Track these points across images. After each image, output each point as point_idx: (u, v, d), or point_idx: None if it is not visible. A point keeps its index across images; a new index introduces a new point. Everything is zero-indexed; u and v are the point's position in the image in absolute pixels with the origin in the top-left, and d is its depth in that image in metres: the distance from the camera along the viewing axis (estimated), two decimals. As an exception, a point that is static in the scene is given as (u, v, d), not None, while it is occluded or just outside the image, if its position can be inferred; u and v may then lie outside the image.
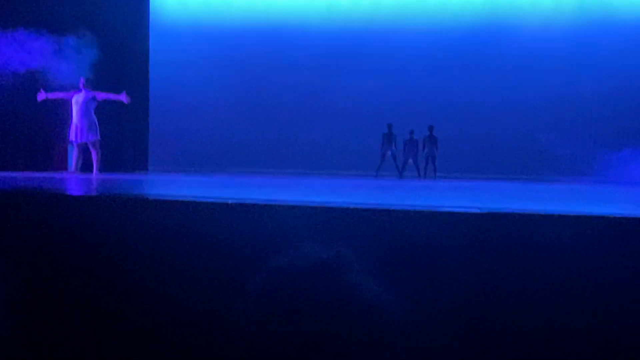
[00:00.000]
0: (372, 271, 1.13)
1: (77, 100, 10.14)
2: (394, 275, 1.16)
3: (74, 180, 8.43)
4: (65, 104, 10.42)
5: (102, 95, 10.17)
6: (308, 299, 1.02)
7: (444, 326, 2.68)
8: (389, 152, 13.05)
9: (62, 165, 10.79)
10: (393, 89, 13.63)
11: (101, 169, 10.27)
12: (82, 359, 2.84)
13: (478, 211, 3.64)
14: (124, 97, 10.20)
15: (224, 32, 14.03)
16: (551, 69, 13.11)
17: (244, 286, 1.05)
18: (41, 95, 10.10)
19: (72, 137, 10.24)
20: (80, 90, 10.15)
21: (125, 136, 12.35)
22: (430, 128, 12.95)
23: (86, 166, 10.50)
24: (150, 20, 13.65)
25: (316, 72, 13.76)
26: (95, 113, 10.22)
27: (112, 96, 10.22)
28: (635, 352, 2.74)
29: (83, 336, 3.26)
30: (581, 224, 3.46)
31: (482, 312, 2.68)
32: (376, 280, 1.13)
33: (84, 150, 10.35)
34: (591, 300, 3.17)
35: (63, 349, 3.08)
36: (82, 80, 10.18)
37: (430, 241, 3.33)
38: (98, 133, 10.23)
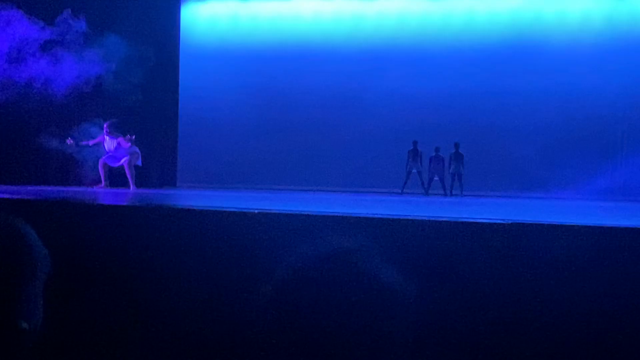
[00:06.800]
0: (394, 279, 1.22)
1: (105, 145, 10.27)
2: (415, 282, 1.25)
3: (110, 195, 8.65)
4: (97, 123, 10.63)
5: (121, 140, 10.13)
6: (324, 293, 1.11)
7: (461, 332, 2.73)
8: (415, 169, 13.04)
9: (94, 180, 11.04)
10: (418, 106, 13.67)
11: (137, 184, 10.42)
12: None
13: (500, 221, 3.70)
14: (126, 140, 10.14)
15: (251, 53, 14.27)
16: (578, 86, 13.02)
17: (262, 282, 1.16)
18: (70, 141, 10.10)
19: (104, 158, 10.28)
20: (104, 136, 10.20)
21: (154, 153, 12.61)
22: (456, 145, 12.90)
23: (118, 182, 10.70)
24: (181, 40, 13.97)
25: (341, 91, 13.89)
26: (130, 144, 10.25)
27: (121, 140, 10.14)
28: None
29: (111, 336, 3.39)
30: (603, 236, 3.49)
31: (499, 316, 2.74)
32: (395, 285, 1.21)
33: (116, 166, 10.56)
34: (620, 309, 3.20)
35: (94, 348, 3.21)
36: (105, 126, 10.19)
37: (452, 250, 3.40)
38: (127, 153, 10.31)
